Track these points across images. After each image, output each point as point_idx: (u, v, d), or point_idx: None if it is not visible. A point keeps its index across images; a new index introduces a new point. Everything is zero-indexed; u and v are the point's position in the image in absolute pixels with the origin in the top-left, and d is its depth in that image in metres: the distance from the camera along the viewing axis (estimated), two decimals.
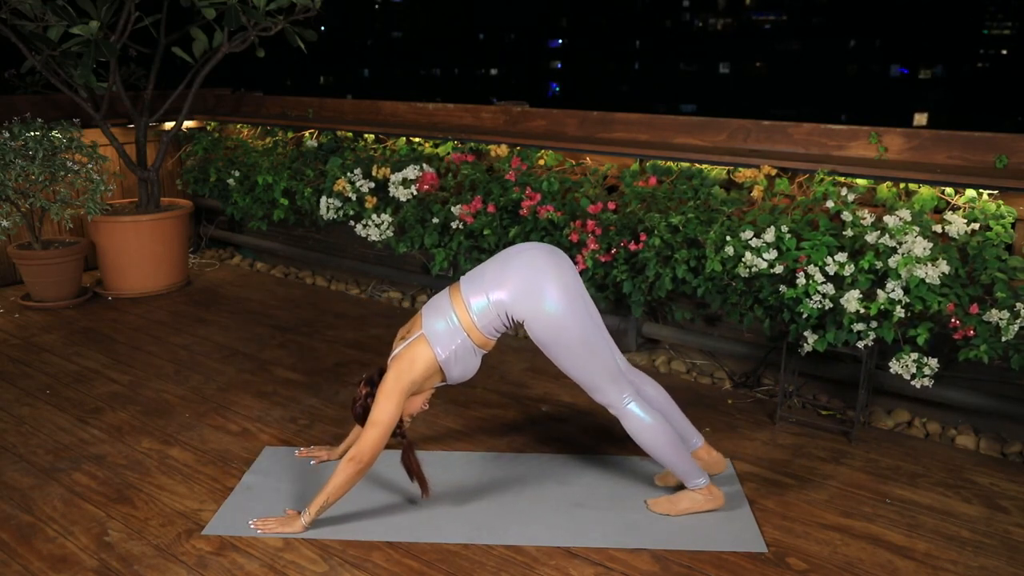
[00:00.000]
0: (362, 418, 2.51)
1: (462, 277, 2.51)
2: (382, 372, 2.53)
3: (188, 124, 5.45)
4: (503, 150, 4.09)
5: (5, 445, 3.02)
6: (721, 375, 3.69)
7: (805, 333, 3.05)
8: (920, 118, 39.01)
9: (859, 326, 2.92)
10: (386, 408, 2.40)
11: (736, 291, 3.29)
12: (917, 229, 2.87)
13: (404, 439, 2.54)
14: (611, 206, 3.53)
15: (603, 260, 3.51)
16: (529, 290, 2.37)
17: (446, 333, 2.43)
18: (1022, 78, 40.93)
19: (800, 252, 3.04)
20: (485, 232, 3.81)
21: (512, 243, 3.78)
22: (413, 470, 2.52)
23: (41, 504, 2.64)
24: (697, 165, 3.58)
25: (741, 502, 2.65)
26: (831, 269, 2.94)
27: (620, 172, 3.76)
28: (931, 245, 2.80)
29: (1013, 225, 2.93)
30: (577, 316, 2.39)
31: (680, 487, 2.65)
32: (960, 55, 44.37)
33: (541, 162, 4.01)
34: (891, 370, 2.91)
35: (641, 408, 2.49)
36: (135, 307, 4.59)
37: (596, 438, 3.10)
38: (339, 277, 5.23)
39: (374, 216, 4.13)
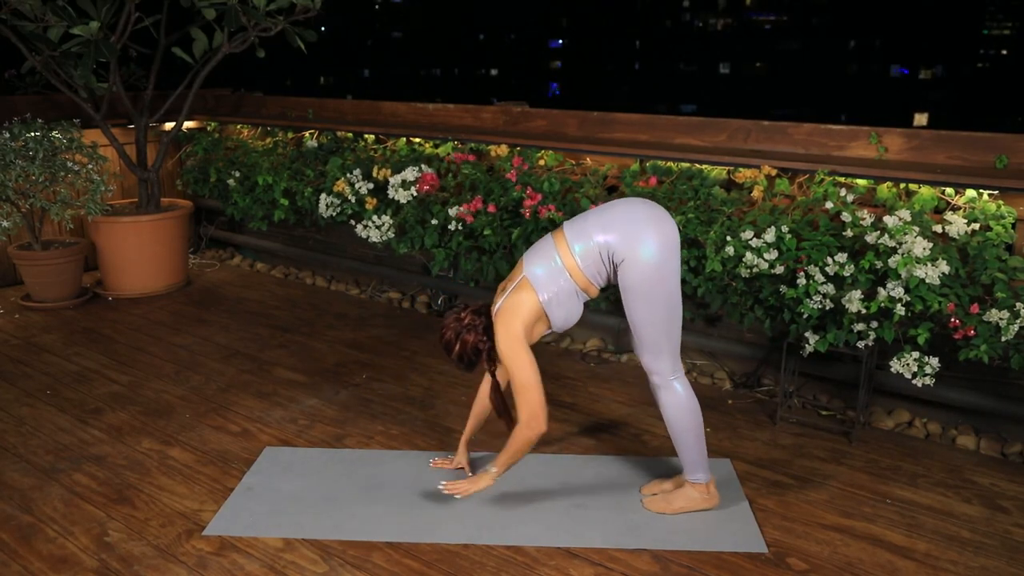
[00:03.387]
0: (471, 365, 2.50)
1: (565, 223, 2.49)
2: (478, 312, 2.50)
3: (188, 124, 5.45)
4: (503, 150, 4.09)
5: (5, 445, 3.03)
6: (721, 375, 3.69)
7: (806, 334, 3.05)
8: (920, 118, 39.01)
9: (859, 326, 2.92)
10: (521, 365, 2.38)
11: (736, 291, 3.29)
12: (917, 229, 2.87)
13: (493, 379, 2.53)
14: None
15: None
16: (631, 234, 2.34)
17: (548, 275, 2.41)
18: (1022, 78, 40.91)
19: (800, 252, 3.04)
20: (486, 232, 3.81)
21: (514, 244, 3.78)
22: (499, 408, 2.55)
23: (41, 504, 2.64)
24: (697, 165, 3.58)
25: (741, 502, 2.65)
26: (831, 269, 2.94)
27: (620, 172, 3.76)
28: (931, 245, 2.80)
29: (1013, 225, 2.93)
30: (670, 272, 2.37)
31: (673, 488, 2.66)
32: (960, 55, 44.40)
33: (541, 162, 4.01)
34: (892, 369, 2.91)
35: (683, 387, 2.48)
36: (135, 307, 4.59)
37: (596, 438, 3.10)
38: (339, 277, 5.23)
39: (374, 217, 4.13)
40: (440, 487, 2.54)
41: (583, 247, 2.39)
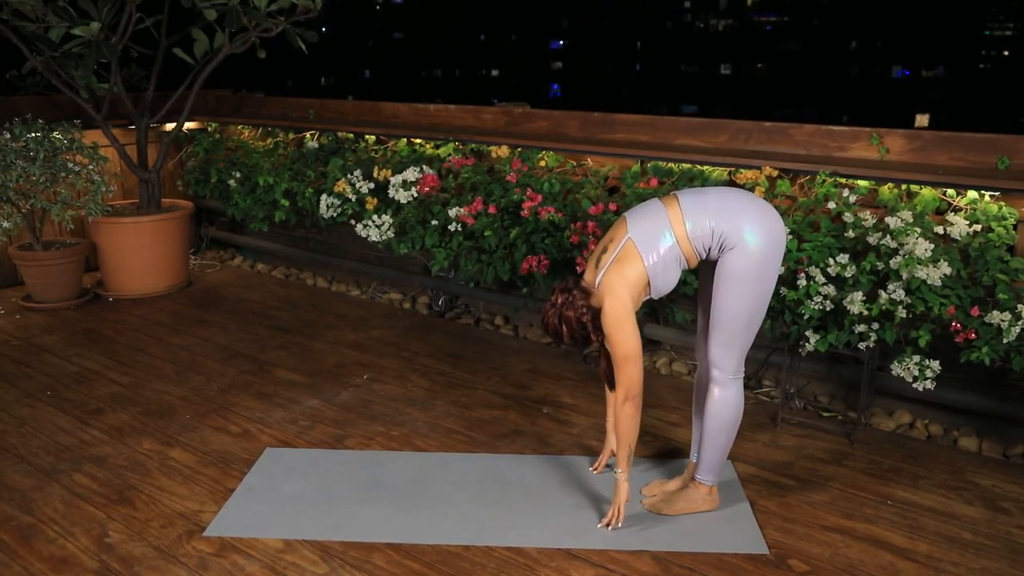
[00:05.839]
0: (586, 340, 2.42)
1: (678, 192, 2.43)
2: (565, 289, 2.41)
3: (189, 125, 5.45)
4: (504, 151, 4.09)
5: (6, 446, 3.02)
6: None
7: (807, 333, 3.05)
8: (922, 119, 39.00)
9: (861, 327, 2.91)
10: (625, 337, 2.34)
11: None
12: (919, 230, 2.86)
13: (599, 352, 2.48)
14: (612, 207, 3.53)
15: None
16: (745, 225, 2.30)
17: (654, 238, 2.34)
18: (1023, 79, 40.89)
19: (802, 253, 3.04)
20: (486, 233, 3.81)
21: (514, 244, 3.78)
22: (612, 381, 2.49)
23: (42, 505, 2.64)
24: (698, 166, 3.57)
25: (742, 503, 2.65)
26: (832, 270, 2.94)
27: (621, 173, 3.76)
28: (932, 246, 2.80)
29: (1015, 227, 2.93)
30: (771, 272, 2.34)
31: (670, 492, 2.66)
32: (962, 56, 44.37)
33: (542, 163, 4.00)
34: (893, 372, 2.90)
35: (739, 389, 2.47)
36: (136, 308, 4.59)
37: (597, 439, 3.09)
38: (340, 278, 5.23)
39: (374, 217, 4.13)
40: (601, 528, 2.51)
41: (695, 224, 2.33)
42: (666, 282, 2.39)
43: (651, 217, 2.37)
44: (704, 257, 2.39)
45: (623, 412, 2.40)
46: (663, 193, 3.51)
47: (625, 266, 2.35)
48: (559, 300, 2.42)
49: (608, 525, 2.49)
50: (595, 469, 2.82)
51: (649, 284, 2.38)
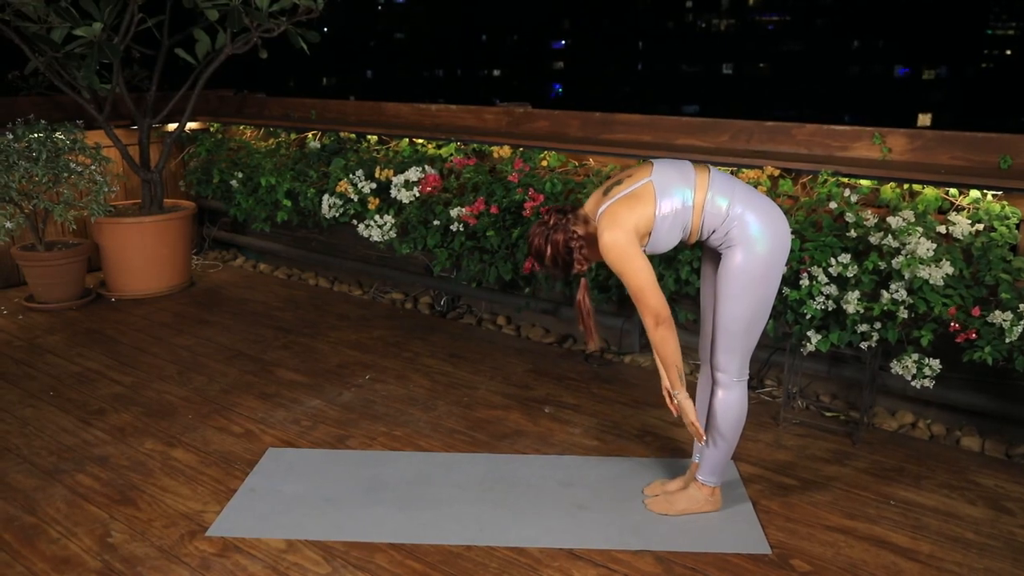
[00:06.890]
0: (567, 267, 2.37)
1: (712, 167, 2.36)
2: (561, 211, 2.36)
3: (191, 125, 5.46)
4: (506, 151, 4.09)
5: (9, 446, 3.03)
6: None
7: (809, 333, 3.05)
8: (924, 119, 38.96)
9: (863, 327, 2.91)
10: (636, 268, 2.27)
11: None
12: (921, 230, 2.86)
13: (583, 278, 2.41)
14: None
15: None
16: (755, 224, 2.27)
17: (676, 190, 2.28)
18: None
19: (804, 253, 3.03)
20: (488, 233, 3.81)
21: (516, 244, 3.78)
22: (583, 315, 2.42)
23: (44, 505, 2.64)
24: None
25: (745, 504, 2.65)
26: (834, 270, 2.94)
27: None
28: (934, 246, 2.79)
29: (1017, 226, 2.92)
30: (773, 277, 2.31)
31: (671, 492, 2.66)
32: (964, 55, 44.31)
33: (544, 163, 4.00)
34: (892, 371, 2.90)
35: (743, 391, 2.45)
36: (138, 308, 4.60)
37: (599, 439, 3.10)
38: (342, 278, 5.23)
39: (377, 217, 4.14)
40: (702, 446, 2.52)
41: (714, 199, 2.28)
42: (666, 241, 2.33)
43: (679, 172, 2.32)
44: (705, 239, 2.35)
45: (658, 337, 2.34)
46: None
47: (637, 204, 2.28)
48: (551, 220, 2.36)
49: (703, 441, 2.49)
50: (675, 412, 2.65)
51: (650, 234, 2.31)
